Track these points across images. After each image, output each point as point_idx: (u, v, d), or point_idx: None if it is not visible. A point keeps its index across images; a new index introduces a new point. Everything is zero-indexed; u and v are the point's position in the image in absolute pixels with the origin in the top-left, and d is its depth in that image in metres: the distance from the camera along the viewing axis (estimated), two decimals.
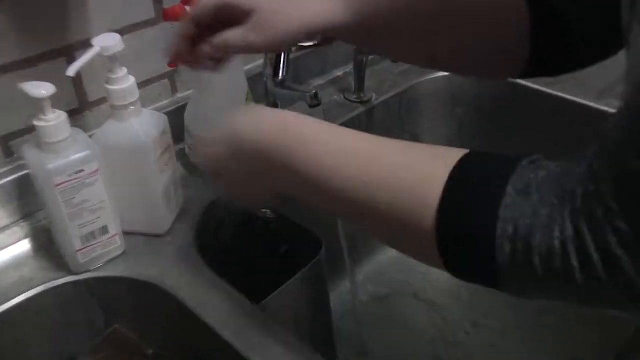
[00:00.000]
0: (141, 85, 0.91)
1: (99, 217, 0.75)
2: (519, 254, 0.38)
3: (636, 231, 0.34)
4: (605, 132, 0.36)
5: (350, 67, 1.16)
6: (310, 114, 0.91)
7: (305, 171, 0.50)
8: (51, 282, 0.76)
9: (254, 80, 0.95)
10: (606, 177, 0.35)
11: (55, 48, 0.81)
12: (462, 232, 0.41)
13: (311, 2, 0.59)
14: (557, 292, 0.39)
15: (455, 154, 0.44)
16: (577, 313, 1.06)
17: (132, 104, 0.74)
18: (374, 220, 0.48)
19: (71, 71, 0.68)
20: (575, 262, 0.36)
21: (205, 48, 0.61)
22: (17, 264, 0.79)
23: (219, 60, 0.65)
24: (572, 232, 0.36)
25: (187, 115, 0.91)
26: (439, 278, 1.20)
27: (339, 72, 1.20)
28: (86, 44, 0.83)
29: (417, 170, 0.44)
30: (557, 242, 0.36)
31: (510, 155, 0.42)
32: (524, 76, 0.60)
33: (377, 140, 0.49)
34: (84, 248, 0.75)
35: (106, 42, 0.70)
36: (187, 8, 0.77)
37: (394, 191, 0.45)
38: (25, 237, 0.82)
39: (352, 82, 1.14)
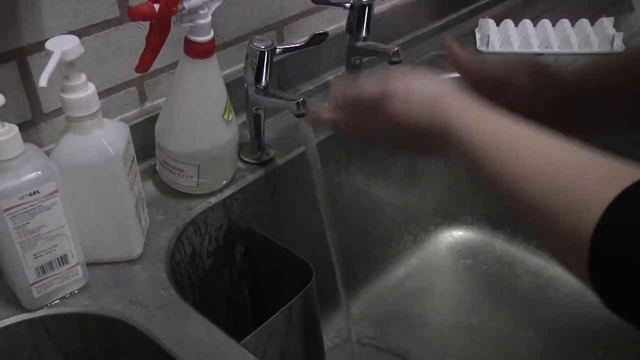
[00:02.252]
0: (104, 93, 0.90)
1: (56, 245, 0.73)
2: None
3: None
4: None
5: (342, 70, 1.15)
6: (297, 124, 0.91)
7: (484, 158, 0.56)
8: (0, 322, 0.74)
9: (232, 86, 0.93)
10: None
11: (3, 51, 0.80)
12: (612, 260, 0.45)
13: None
14: None
15: (629, 174, 0.47)
16: None
17: (91, 115, 0.73)
18: (539, 219, 0.52)
19: (43, 81, 0.66)
20: None
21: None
22: None
23: None
24: None
25: (158, 127, 0.90)
26: (440, 305, 1.19)
27: (329, 76, 1.19)
28: (40, 47, 0.82)
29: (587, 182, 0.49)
30: None
31: None
32: None
33: (556, 143, 0.54)
34: (40, 281, 0.73)
35: (62, 45, 0.69)
36: (155, 6, 0.75)
37: (559, 201, 0.49)
38: None
39: None
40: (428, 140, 0.63)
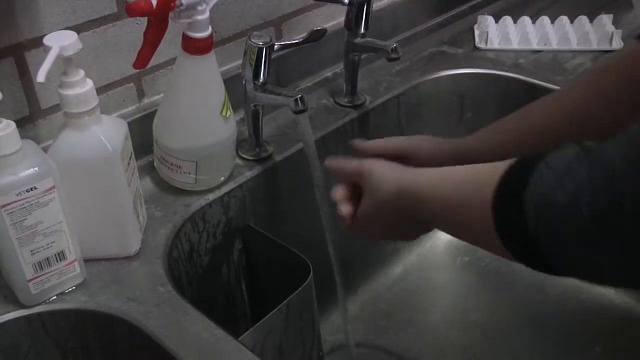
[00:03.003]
0: (102, 89, 0.90)
1: (54, 242, 0.73)
2: (541, 210, 0.50)
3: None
4: None
5: (340, 67, 1.15)
6: (295, 121, 0.91)
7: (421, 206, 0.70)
8: None
9: (231, 82, 0.93)
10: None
11: (1, 47, 0.79)
12: (506, 203, 0.55)
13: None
14: (575, 237, 0.49)
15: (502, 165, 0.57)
16: None
17: (89, 111, 0.72)
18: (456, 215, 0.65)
19: (41, 76, 0.66)
20: (585, 210, 0.47)
21: None
22: None
23: None
24: (584, 178, 0.48)
25: (156, 124, 0.89)
26: (438, 302, 1.19)
27: (328, 73, 1.19)
28: (37, 43, 0.82)
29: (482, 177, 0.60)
30: (568, 195, 0.48)
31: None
32: None
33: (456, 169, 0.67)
34: (37, 277, 0.73)
35: (60, 40, 0.69)
36: (153, 2, 0.75)
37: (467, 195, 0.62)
38: None
39: (343, 83, 1.12)
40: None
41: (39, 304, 0.75)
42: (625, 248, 0.48)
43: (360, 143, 0.88)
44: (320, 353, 0.94)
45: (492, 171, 0.57)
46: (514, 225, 0.54)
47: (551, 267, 0.53)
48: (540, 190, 0.51)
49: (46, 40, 0.69)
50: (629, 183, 0.46)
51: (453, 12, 1.39)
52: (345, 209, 0.81)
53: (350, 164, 0.81)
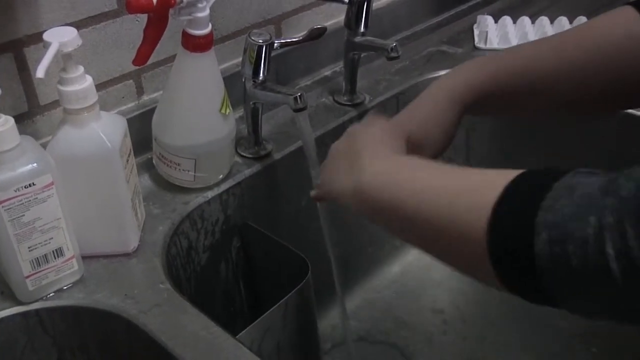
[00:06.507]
0: (101, 86, 0.90)
1: (52, 238, 0.73)
2: (555, 242, 0.43)
3: None
4: None
5: (340, 65, 1.14)
6: (294, 119, 0.90)
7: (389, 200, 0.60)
8: None
9: (230, 80, 0.93)
10: None
11: (0, 43, 0.79)
12: (509, 226, 0.47)
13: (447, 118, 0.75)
14: (594, 289, 0.42)
15: (515, 172, 0.50)
16: None
17: (88, 108, 0.72)
18: (434, 233, 0.56)
19: (40, 72, 0.65)
20: (610, 250, 0.40)
21: None
22: None
23: None
24: (612, 221, 0.40)
25: (156, 121, 0.89)
26: (436, 301, 1.19)
27: (327, 71, 1.19)
28: (37, 39, 0.81)
29: (475, 181, 0.53)
30: (591, 230, 0.41)
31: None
32: None
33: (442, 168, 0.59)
34: (34, 274, 0.73)
35: (60, 36, 0.68)
36: None
37: (450, 202, 0.53)
38: None
39: (342, 82, 1.12)
40: None
41: (36, 301, 0.75)
42: None
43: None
44: (319, 350, 0.94)
45: (489, 185, 0.50)
46: (516, 255, 0.46)
47: (550, 300, 0.46)
48: (555, 218, 0.43)
49: (46, 36, 0.68)
50: None
51: (452, 12, 1.39)
52: None
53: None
